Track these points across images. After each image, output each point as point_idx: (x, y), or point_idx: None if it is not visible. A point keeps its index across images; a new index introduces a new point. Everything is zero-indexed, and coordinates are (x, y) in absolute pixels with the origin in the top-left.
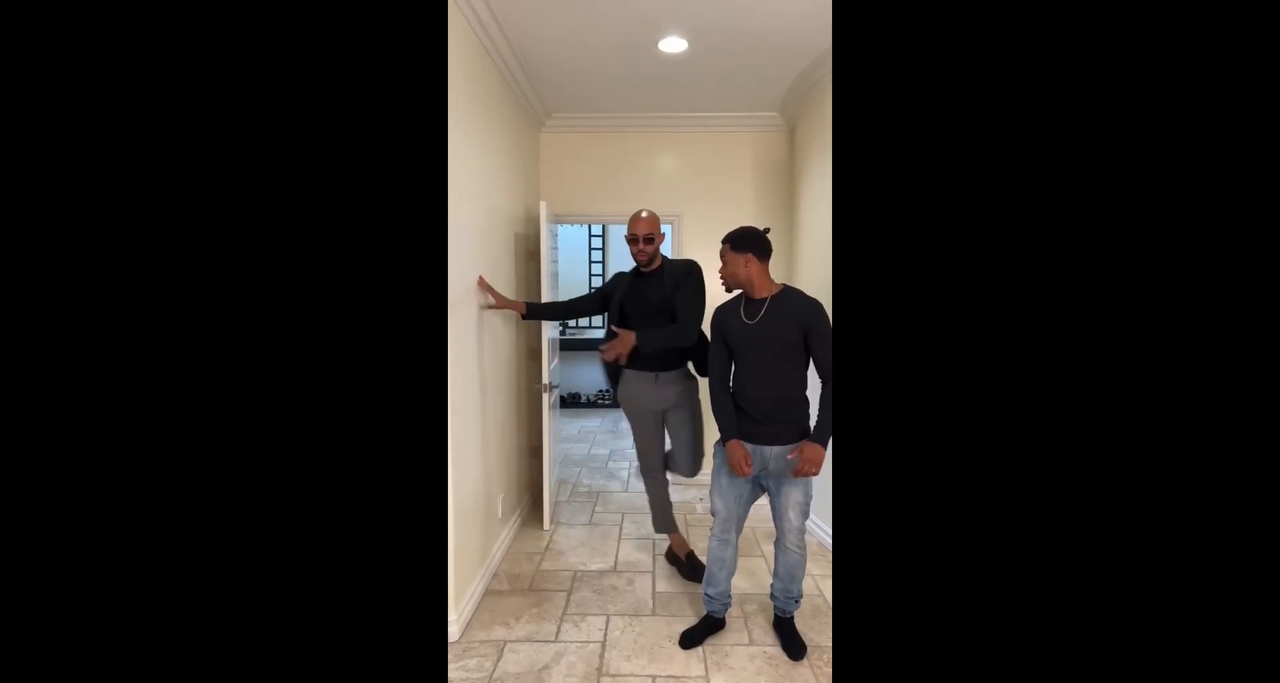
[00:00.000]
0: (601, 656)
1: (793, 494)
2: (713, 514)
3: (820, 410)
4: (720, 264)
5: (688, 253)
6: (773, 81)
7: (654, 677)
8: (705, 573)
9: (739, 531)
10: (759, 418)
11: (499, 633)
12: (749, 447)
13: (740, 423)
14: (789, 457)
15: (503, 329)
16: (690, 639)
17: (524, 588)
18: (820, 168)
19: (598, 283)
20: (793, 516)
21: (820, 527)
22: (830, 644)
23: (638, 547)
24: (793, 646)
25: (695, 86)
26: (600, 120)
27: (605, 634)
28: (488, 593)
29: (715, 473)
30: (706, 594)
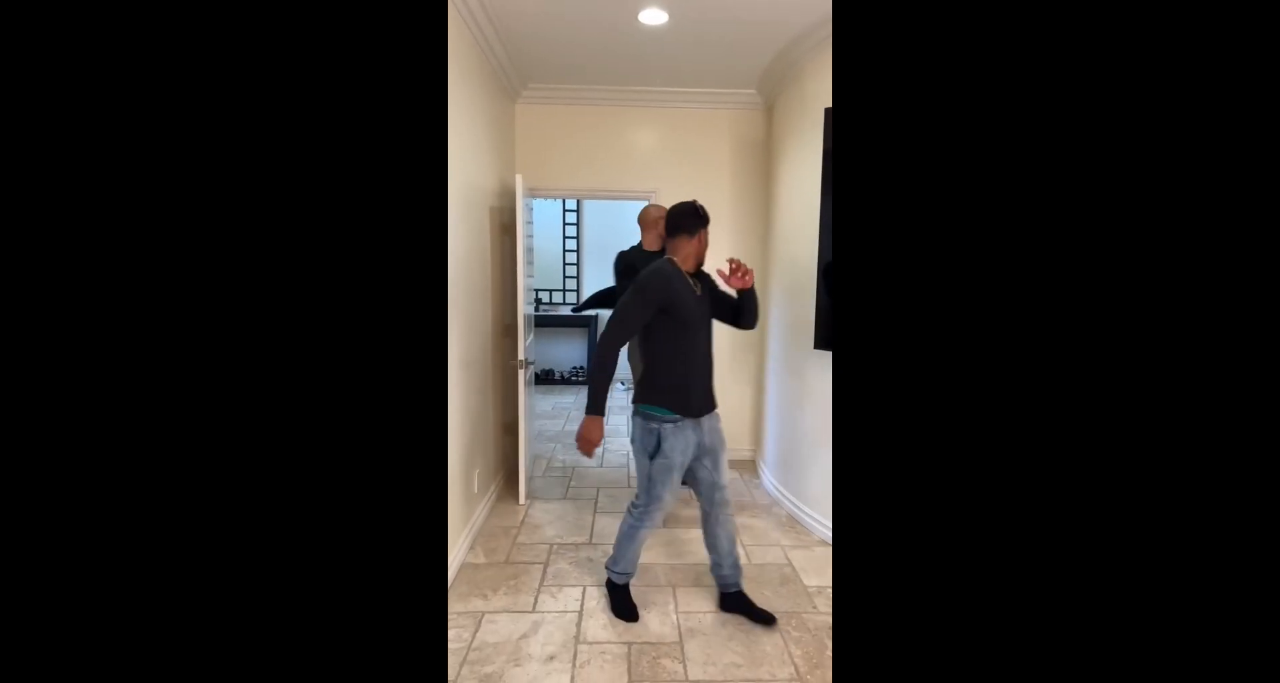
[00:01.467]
0: (579, 625)
1: (722, 460)
2: (658, 508)
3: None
4: (700, 245)
5: None
6: (751, 58)
7: (630, 643)
8: (632, 558)
9: None
10: (704, 391)
11: (476, 605)
12: (691, 426)
13: (690, 399)
14: (735, 267)
15: (478, 305)
16: (635, 613)
17: (501, 561)
18: (797, 147)
19: (572, 259)
20: (726, 480)
21: (790, 499)
22: (799, 611)
23: (613, 520)
24: (760, 614)
25: (674, 61)
26: (577, 92)
27: (582, 604)
28: (464, 566)
29: (664, 471)
30: (629, 573)
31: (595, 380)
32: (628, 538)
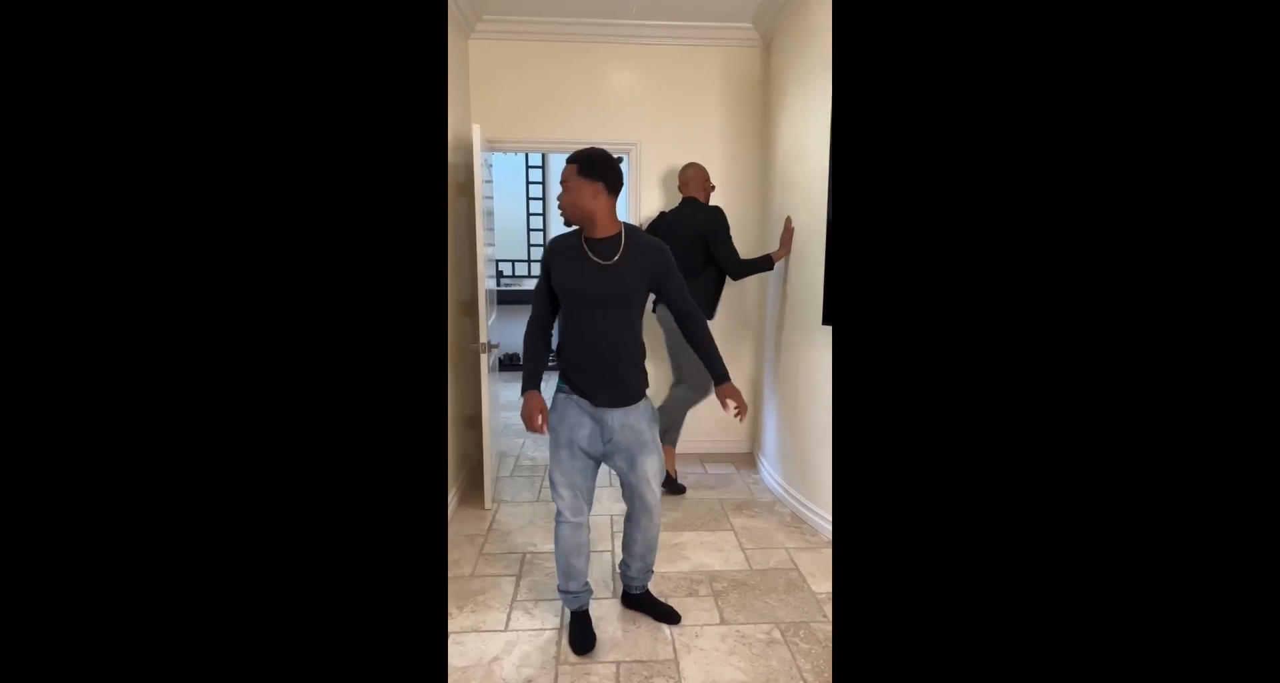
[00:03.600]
0: (559, 644)
1: (650, 464)
2: (557, 497)
3: (706, 349)
4: (561, 190)
5: (646, 188)
6: None
7: (618, 662)
8: (562, 568)
9: (590, 506)
10: (604, 378)
11: None
12: (589, 411)
13: (580, 383)
14: (734, 412)
15: None
16: (587, 644)
17: (466, 574)
18: (802, 91)
19: (537, 222)
20: (655, 486)
21: (794, 496)
22: (807, 620)
23: (595, 523)
24: (664, 610)
25: None
26: (542, 26)
27: (562, 620)
28: None
29: (554, 448)
30: (569, 592)
31: (524, 359)
32: (556, 541)
